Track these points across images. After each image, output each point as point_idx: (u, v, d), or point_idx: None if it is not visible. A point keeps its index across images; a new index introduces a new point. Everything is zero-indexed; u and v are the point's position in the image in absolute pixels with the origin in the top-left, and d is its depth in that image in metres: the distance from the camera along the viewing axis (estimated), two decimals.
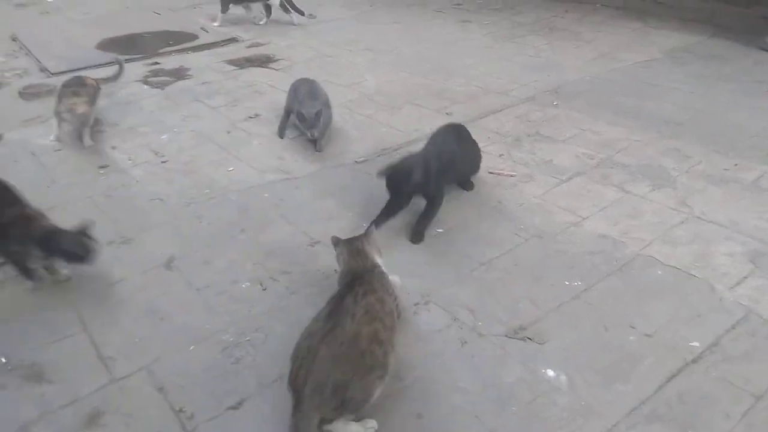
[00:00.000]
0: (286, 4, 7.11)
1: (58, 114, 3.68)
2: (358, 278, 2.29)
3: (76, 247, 2.70)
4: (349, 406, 1.96)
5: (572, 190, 3.57)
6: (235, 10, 7.20)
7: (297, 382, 1.95)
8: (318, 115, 3.91)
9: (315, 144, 4.10)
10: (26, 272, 2.78)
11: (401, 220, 3.27)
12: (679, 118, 4.45)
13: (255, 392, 2.28)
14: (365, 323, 2.07)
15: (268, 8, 7.22)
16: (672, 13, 6.93)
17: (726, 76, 5.21)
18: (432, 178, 3.16)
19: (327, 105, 4.20)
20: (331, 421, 1.97)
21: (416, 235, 3.19)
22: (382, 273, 2.42)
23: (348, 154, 4.11)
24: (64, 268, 2.88)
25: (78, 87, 4.03)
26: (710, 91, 4.92)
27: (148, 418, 2.20)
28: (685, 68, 5.42)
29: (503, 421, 2.15)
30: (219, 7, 7.16)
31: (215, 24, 7.15)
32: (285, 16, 7.24)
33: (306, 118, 3.94)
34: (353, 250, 2.48)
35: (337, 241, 2.59)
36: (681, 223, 3.23)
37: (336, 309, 2.12)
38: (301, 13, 7.22)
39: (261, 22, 7.22)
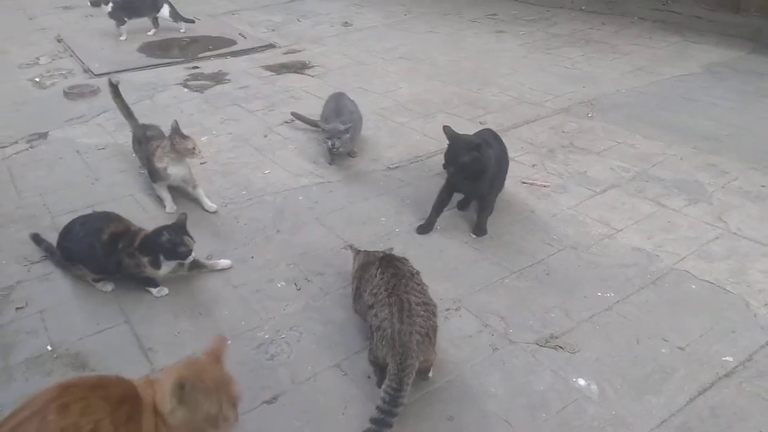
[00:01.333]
0: (177, 16, 7.23)
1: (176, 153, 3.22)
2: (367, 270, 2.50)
3: (174, 245, 2.71)
4: (435, 341, 2.26)
5: (606, 202, 3.56)
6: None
7: (402, 340, 2.12)
8: (346, 130, 3.89)
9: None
10: (147, 281, 2.85)
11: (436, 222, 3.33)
12: (717, 133, 4.40)
13: (290, 388, 2.34)
14: (410, 278, 2.34)
15: (155, 20, 7.30)
16: (711, 28, 6.85)
17: (766, 92, 5.14)
18: (488, 163, 3.12)
19: (353, 113, 4.21)
20: (427, 360, 2.23)
21: (478, 228, 3.27)
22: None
23: (381, 160, 4.17)
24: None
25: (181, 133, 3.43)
26: (750, 108, 4.86)
27: None
28: (724, 84, 5.35)
29: (533, 428, 2.17)
30: (181, 18, 7.26)
31: (122, 38, 7.11)
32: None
33: (327, 131, 3.91)
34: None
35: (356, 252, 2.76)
36: (716, 239, 3.21)
37: (390, 289, 2.27)
38: (191, 21, 7.35)
39: (150, 33, 7.28)
